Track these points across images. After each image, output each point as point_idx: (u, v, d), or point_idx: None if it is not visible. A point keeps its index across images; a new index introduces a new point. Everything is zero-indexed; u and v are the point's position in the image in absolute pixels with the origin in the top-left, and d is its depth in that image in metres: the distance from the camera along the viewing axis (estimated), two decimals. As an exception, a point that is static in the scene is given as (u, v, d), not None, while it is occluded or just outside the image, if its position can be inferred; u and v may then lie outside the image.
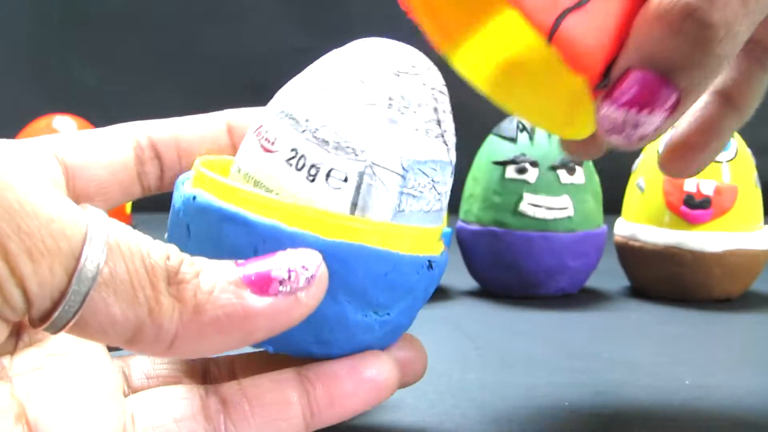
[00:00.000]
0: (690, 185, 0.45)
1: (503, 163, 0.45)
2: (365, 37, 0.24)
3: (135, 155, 0.26)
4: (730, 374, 0.32)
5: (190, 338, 0.18)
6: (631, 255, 0.47)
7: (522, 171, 0.45)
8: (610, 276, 0.50)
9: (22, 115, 0.56)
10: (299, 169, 0.21)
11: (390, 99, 0.22)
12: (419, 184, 0.22)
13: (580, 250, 0.45)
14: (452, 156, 0.23)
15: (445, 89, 0.23)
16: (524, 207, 0.44)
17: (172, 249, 0.19)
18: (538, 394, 0.29)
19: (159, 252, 0.18)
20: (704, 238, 0.44)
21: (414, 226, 0.22)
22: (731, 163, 0.45)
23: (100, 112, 0.65)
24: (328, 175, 0.21)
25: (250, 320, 0.19)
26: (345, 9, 0.94)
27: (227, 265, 0.19)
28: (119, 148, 0.25)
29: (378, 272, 0.21)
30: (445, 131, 0.23)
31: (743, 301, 0.46)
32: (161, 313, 0.18)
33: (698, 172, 0.26)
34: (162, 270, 0.18)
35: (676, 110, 0.20)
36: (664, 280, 0.46)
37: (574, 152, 0.28)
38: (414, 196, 0.22)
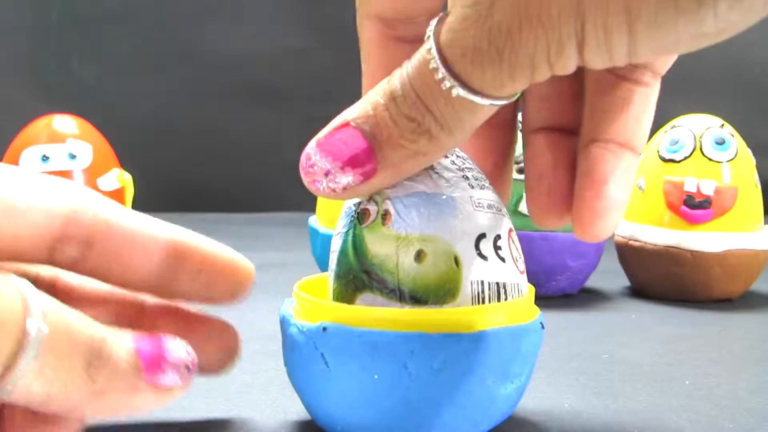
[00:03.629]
0: (690, 185, 0.45)
1: (503, 163, 0.45)
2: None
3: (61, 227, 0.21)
4: (730, 374, 0.32)
5: (86, 409, 0.20)
6: (631, 255, 0.47)
7: (522, 171, 0.45)
8: (610, 276, 0.50)
9: (22, 115, 0.56)
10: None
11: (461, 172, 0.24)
12: None
13: (580, 250, 0.45)
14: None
15: None
16: (524, 207, 0.44)
17: (95, 328, 0.20)
18: (538, 394, 0.29)
19: (85, 332, 0.19)
20: (704, 238, 0.44)
21: (524, 297, 0.24)
22: (731, 163, 0.45)
23: (100, 112, 0.65)
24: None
25: (135, 398, 0.20)
26: (344, 9, 0.94)
27: (131, 340, 0.20)
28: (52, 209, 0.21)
29: (514, 347, 0.23)
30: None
31: (743, 301, 0.46)
32: (71, 391, 0.19)
33: (611, 228, 0.24)
34: (86, 350, 0.19)
35: (372, 178, 0.22)
36: (664, 280, 0.46)
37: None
38: None
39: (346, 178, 0.22)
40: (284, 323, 0.24)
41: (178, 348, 0.21)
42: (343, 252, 0.24)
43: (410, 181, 0.23)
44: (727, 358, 0.35)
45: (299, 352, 0.24)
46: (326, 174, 0.22)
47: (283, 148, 0.98)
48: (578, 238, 0.24)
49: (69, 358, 0.19)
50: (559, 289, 0.46)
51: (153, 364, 0.20)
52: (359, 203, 0.23)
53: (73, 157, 0.49)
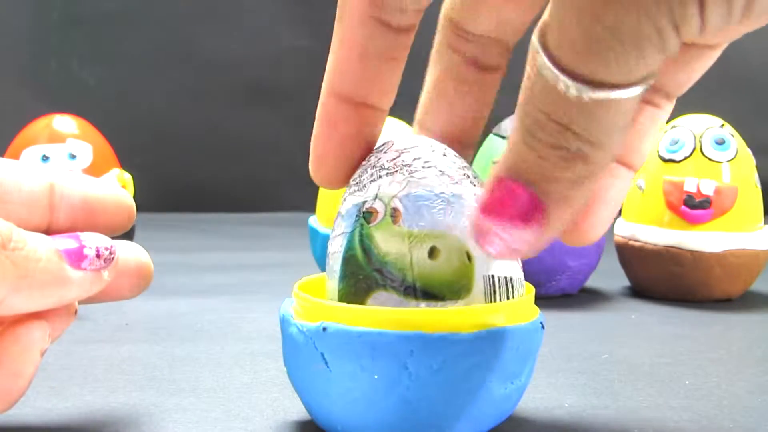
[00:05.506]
0: (690, 185, 0.45)
1: (503, 163, 0.45)
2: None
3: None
4: (730, 374, 0.32)
5: (18, 297, 0.21)
6: (631, 255, 0.47)
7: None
8: (610, 276, 0.50)
9: (22, 115, 0.56)
10: None
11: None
12: None
13: (580, 250, 0.45)
14: None
15: None
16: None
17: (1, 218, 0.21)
18: (538, 394, 0.29)
19: None
20: (704, 238, 0.44)
21: (527, 297, 0.24)
22: (731, 163, 0.45)
23: (100, 112, 0.65)
24: None
25: (67, 287, 0.22)
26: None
27: (48, 239, 0.22)
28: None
29: (512, 348, 0.23)
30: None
31: (743, 301, 0.46)
32: None
33: (598, 238, 0.24)
34: None
35: (546, 222, 0.20)
36: (664, 280, 0.46)
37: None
38: None
39: (523, 232, 0.20)
40: (284, 323, 0.24)
41: (94, 236, 0.23)
42: (349, 252, 0.24)
43: (417, 179, 0.23)
44: (727, 358, 0.35)
45: (299, 352, 0.24)
46: (503, 236, 0.20)
47: (283, 148, 0.98)
48: (564, 242, 0.24)
49: None
50: (559, 289, 0.46)
51: (74, 253, 0.22)
52: (364, 202, 0.23)
53: (73, 157, 0.49)
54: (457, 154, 0.25)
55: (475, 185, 0.24)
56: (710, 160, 0.45)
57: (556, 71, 0.18)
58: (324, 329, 0.23)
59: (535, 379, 0.31)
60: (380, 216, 0.23)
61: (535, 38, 0.19)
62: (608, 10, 0.17)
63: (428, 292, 0.23)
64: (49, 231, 0.24)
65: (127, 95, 0.95)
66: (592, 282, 0.49)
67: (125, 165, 0.52)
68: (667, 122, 0.47)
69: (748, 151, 0.46)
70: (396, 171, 0.23)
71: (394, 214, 0.23)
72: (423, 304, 0.23)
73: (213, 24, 0.97)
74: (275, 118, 0.96)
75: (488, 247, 0.21)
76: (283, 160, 0.97)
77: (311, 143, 0.25)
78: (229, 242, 0.72)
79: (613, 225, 0.49)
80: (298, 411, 0.27)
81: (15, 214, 0.23)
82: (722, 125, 0.46)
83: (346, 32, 0.23)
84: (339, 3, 0.24)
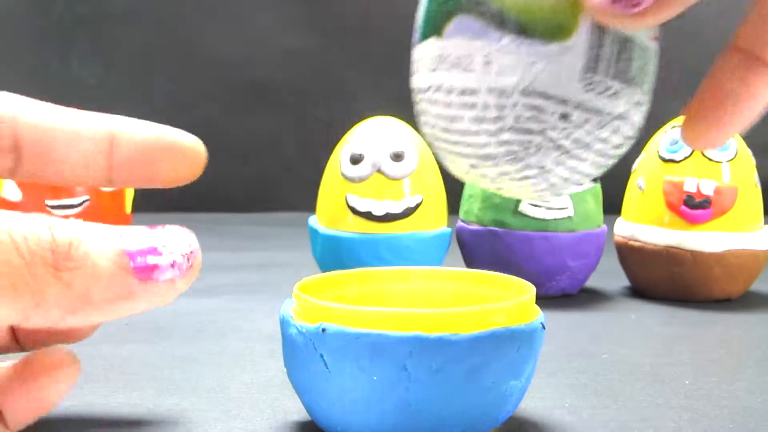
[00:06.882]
0: (690, 185, 0.45)
1: (503, 163, 0.45)
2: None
3: None
4: (730, 374, 0.32)
5: (74, 318, 0.18)
6: (631, 255, 0.47)
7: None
8: (610, 276, 0.50)
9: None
10: None
11: None
12: None
13: (580, 250, 0.45)
14: None
15: None
16: (524, 207, 0.44)
17: (56, 227, 0.17)
18: (538, 394, 0.29)
19: (39, 235, 0.17)
20: (704, 238, 0.44)
21: (528, 298, 0.25)
22: (731, 163, 0.45)
23: (100, 112, 0.65)
24: None
25: (132, 303, 0.18)
26: (345, 9, 0.94)
27: (116, 236, 0.18)
28: None
29: (513, 349, 0.23)
30: None
31: (743, 301, 0.46)
32: (47, 302, 0.17)
33: (724, 141, 0.21)
34: (46, 256, 0.17)
35: None
36: (664, 280, 0.46)
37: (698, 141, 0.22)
38: None
39: None
40: (284, 324, 0.24)
41: (173, 240, 0.19)
42: None
43: None
44: (727, 358, 0.35)
45: (299, 353, 0.24)
46: None
47: (283, 148, 0.98)
48: (685, 140, 0.21)
49: (28, 266, 0.16)
50: (559, 289, 0.46)
51: (147, 266, 0.18)
52: None
53: (73, 157, 0.49)
54: None
55: None
56: (710, 160, 0.45)
57: None
58: (323, 330, 0.23)
59: (535, 379, 0.31)
60: None
61: None
62: None
63: (518, 24, 0.18)
64: (108, 184, 0.23)
65: (127, 95, 0.95)
66: (592, 282, 0.49)
67: (125, 165, 0.52)
68: (667, 122, 0.48)
69: (748, 151, 0.46)
70: None
71: None
72: (506, 38, 0.18)
73: (214, 24, 0.97)
74: (275, 118, 0.96)
75: (611, 7, 0.18)
76: (283, 160, 0.97)
77: (694, 96, 0.21)
78: (229, 242, 0.72)
79: (613, 224, 0.49)
80: (298, 411, 0.27)
81: (71, 173, 0.22)
82: (722, 125, 0.46)
83: None
84: None
